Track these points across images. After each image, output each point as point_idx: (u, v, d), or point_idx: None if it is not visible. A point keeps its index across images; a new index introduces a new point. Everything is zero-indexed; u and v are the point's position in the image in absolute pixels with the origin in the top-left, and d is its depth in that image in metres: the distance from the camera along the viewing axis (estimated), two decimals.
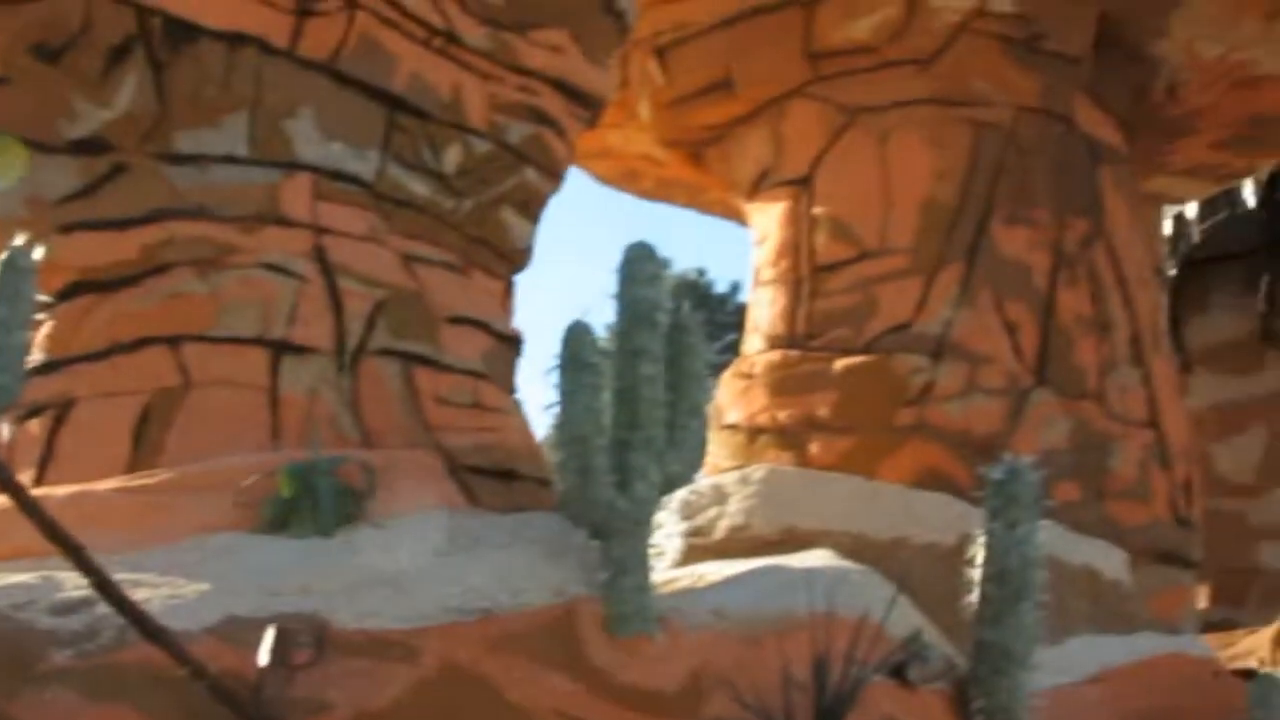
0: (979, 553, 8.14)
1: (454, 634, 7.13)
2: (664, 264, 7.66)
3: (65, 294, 8.83)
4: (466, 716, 6.93)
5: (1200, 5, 14.68)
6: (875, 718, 7.48)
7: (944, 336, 13.25)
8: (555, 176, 10.37)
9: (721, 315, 26.97)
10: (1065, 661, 10.74)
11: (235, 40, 9.02)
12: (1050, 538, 9.53)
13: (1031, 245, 13.94)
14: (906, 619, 8.12)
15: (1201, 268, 21.54)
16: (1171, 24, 14.91)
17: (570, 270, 47.65)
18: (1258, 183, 20.13)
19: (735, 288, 30.19)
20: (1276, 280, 20.88)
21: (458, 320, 9.48)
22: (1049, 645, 8.74)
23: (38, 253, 6.70)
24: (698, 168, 15.81)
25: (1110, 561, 12.72)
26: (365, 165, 9.32)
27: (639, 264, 7.68)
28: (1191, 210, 21.05)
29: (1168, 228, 20.56)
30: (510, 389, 9.84)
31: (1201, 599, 16.89)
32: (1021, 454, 8.40)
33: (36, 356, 8.47)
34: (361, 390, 8.94)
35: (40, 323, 8.59)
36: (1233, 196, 20.55)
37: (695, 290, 29.17)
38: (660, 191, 17.32)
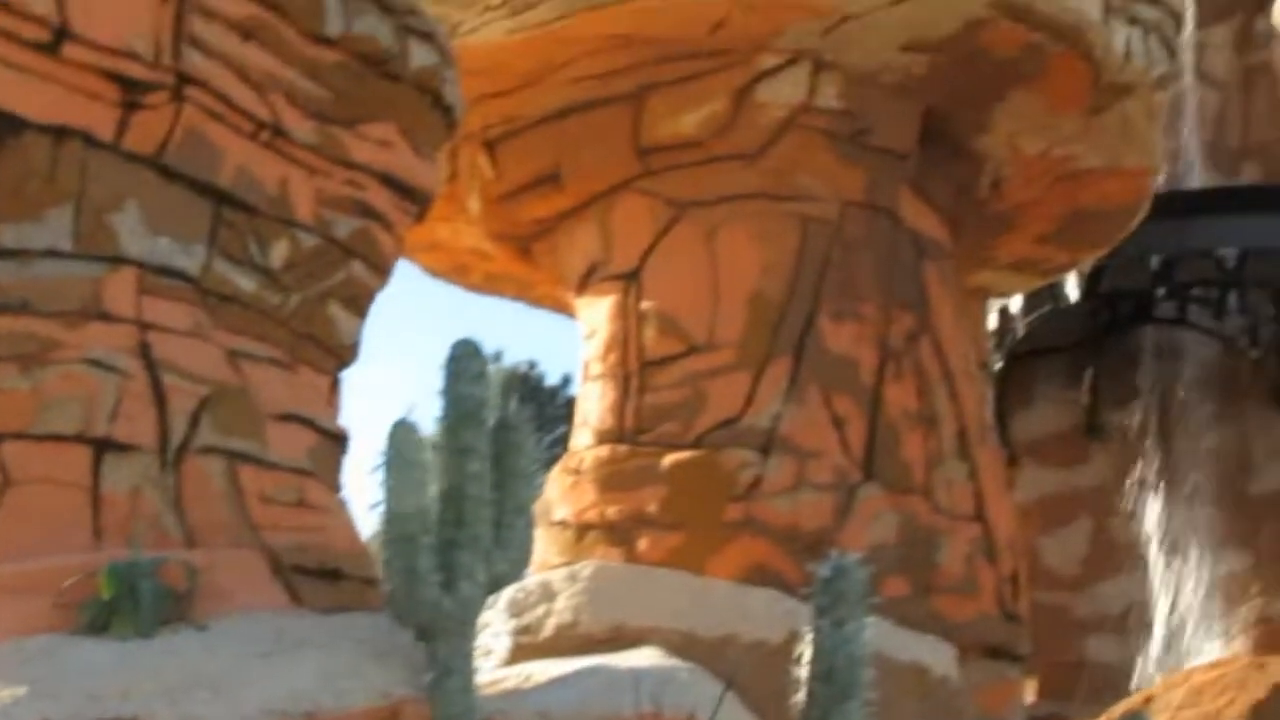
0: (806, 650, 8.10)
1: None
2: (489, 360, 7.61)
3: None
4: None
5: (1022, 101, 14.87)
6: None
7: (772, 431, 13.28)
8: (383, 271, 10.30)
9: (552, 409, 27.02)
10: None
11: (60, 133, 8.88)
12: (878, 635, 9.50)
13: (858, 340, 14.01)
14: (734, 718, 8.07)
15: (1026, 361, 21.91)
16: (994, 120, 15.11)
17: (398, 366, 47.67)
18: (1080, 276, 20.51)
19: (567, 380, 30.31)
20: (1100, 373, 21.25)
21: (284, 417, 9.38)
22: None
23: None
24: (527, 261, 15.78)
25: (938, 658, 12.74)
26: (191, 260, 9.20)
27: (464, 361, 7.64)
28: (1016, 304, 21.42)
29: (993, 321, 20.89)
30: (336, 487, 9.74)
31: (1029, 693, 17.04)
32: (849, 549, 8.39)
33: None
34: (185, 488, 8.79)
35: None
36: (1056, 290, 20.93)
37: (526, 383, 29.24)
38: (489, 285, 17.29)
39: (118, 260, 8.96)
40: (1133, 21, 14.89)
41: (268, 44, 9.43)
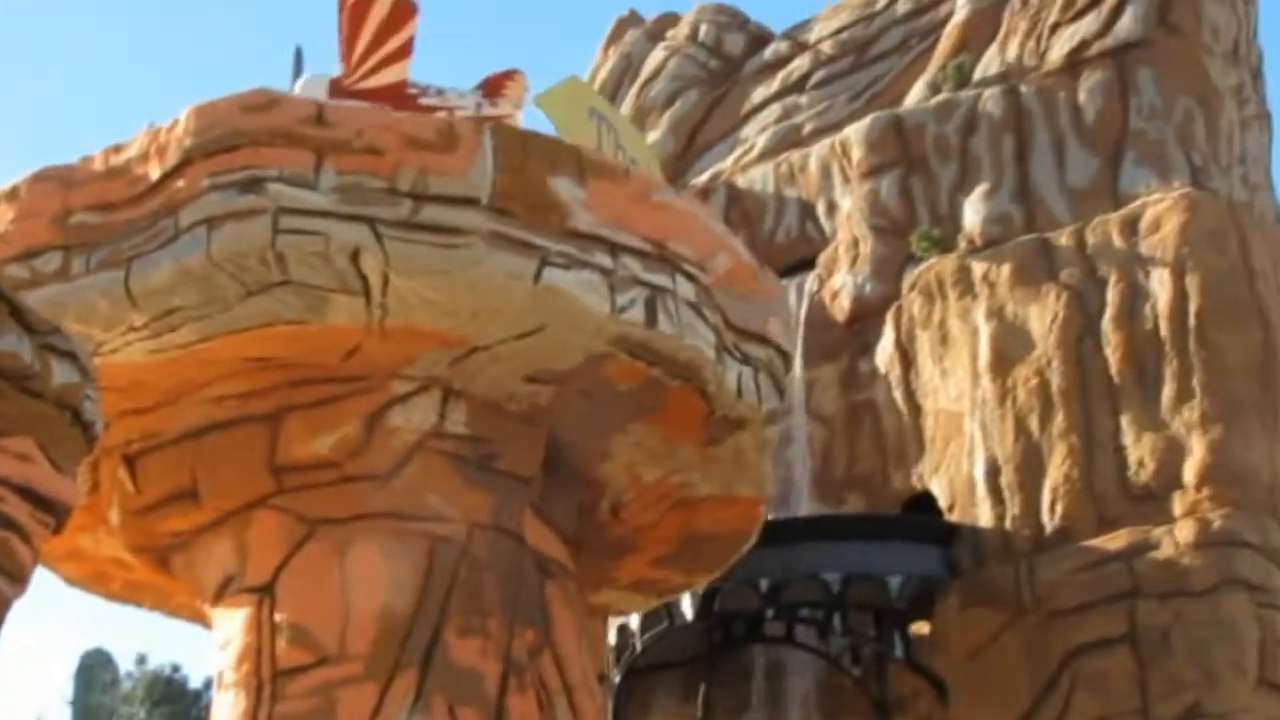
0: None
1: None
2: (118, 669, 7.66)
3: None
4: None
5: (641, 432, 15.28)
6: None
7: None
8: (21, 580, 10.15)
9: (196, 711, 26.31)
10: None
11: None
12: None
13: (483, 654, 14.09)
14: None
15: (644, 675, 22.06)
16: (613, 449, 15.50)
17: (34, 671, 46.04)
18: (695, 596, 20.66)
19: (209, 683, 29.63)
20: (713, 688, 21.54)
21: None
22: None
23: None
24: (165, 573, 15.54)
25: None
26: None
27: (96, 671, 7.69)
28: (635, 621, 21.52)
29: (612, 637, 21.00)
30: None
31: None
32: None
33: None
34: None
35: None
36: (672, 609, 21.07)
37: (170, 686, 28.44)
38: (129, 594, 17.00)
39: None
40: (745, 360, 15.34)
41: None
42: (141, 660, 29.68)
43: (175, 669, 29.93)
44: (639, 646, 21.68)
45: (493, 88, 16.02)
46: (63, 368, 10.28)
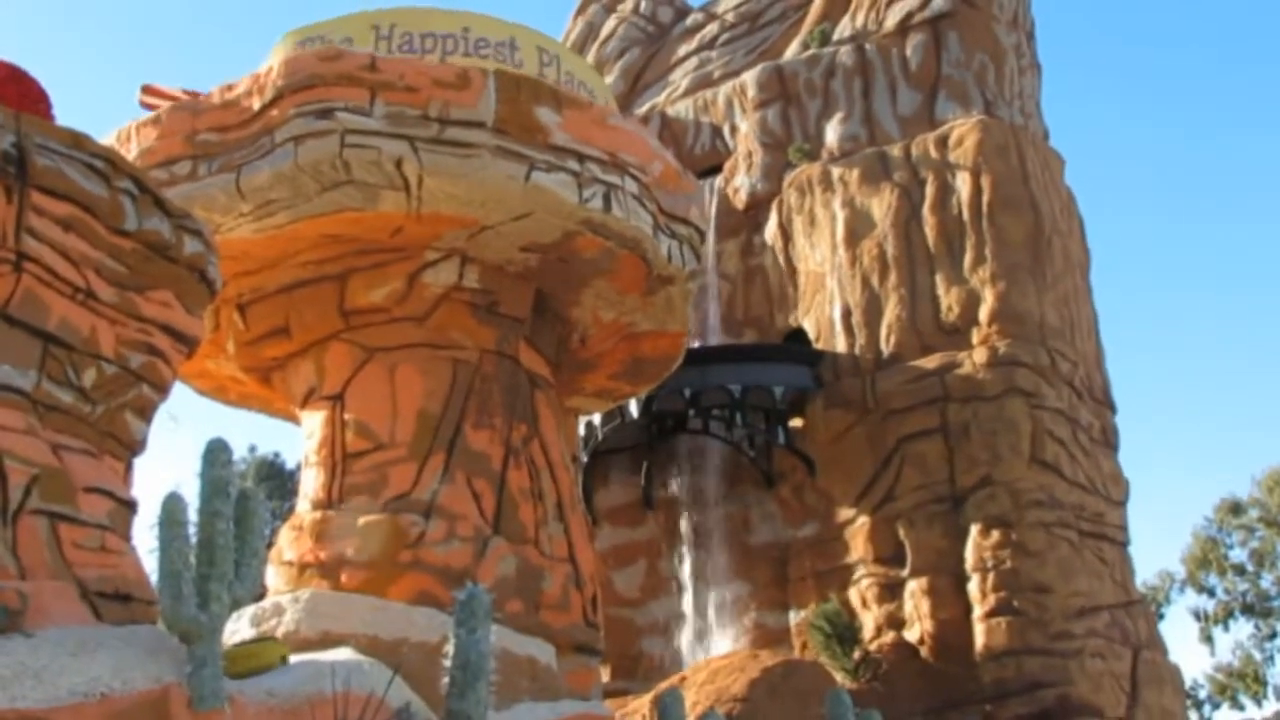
0: (450, 649, 8.20)
1: (80, 712, 6.85)
2: (233, 451, 7.58)
3: None
4: None
5: (600, 286, 15.13)
6: None
7: (432, 502, 13.27)
8: (163, 390, 10.11)
9: (290, 485, 26.34)
10: None
11: None
12: (503, 638, 9.65)
13: (491, 441, 14.09)
14: (400, 694, 8.11)
15: (604, 457, 22.20)
16: (581, 297, 15.36)
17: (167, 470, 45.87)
18: (639, 400, 20.78)
19: (299, 465, 29.59)
20: (651, 465, 21.64)
21: (91, 490, 9.13)
22: (499, 711, 8.81)
23: None
24: (267, 386, 15.47)
25: (543, 653, 12.86)
26: (26, 381, 8.94)
27: (216, 453, 7.60)
28: (597, 419, 21.63)
29: (582, 430, 21.09)
30: (128, 537, 9.48)
31: (605, 675, 17.18)
32: (482, 582, 8.53)
33: None
34: (19, 539, 8.50)
35: None
36: (623, 409, 21.18)
37: (272, 467, 28.41)
38: (243, 401, 16.89)
39: None
40: (673, 236, 15.25)
41: (83, 234, 9.26)
42: (252, 449, 29.71)
43: (275, 455, 30.01)
44: (600, 436, 21.86)
45: None
46: (192, 241, 10.16)
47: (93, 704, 6.86)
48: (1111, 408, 22.34)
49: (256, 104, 13.40)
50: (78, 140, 9.36)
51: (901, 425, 20.19)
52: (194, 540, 7.37)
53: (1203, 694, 30.35)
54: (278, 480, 27.39)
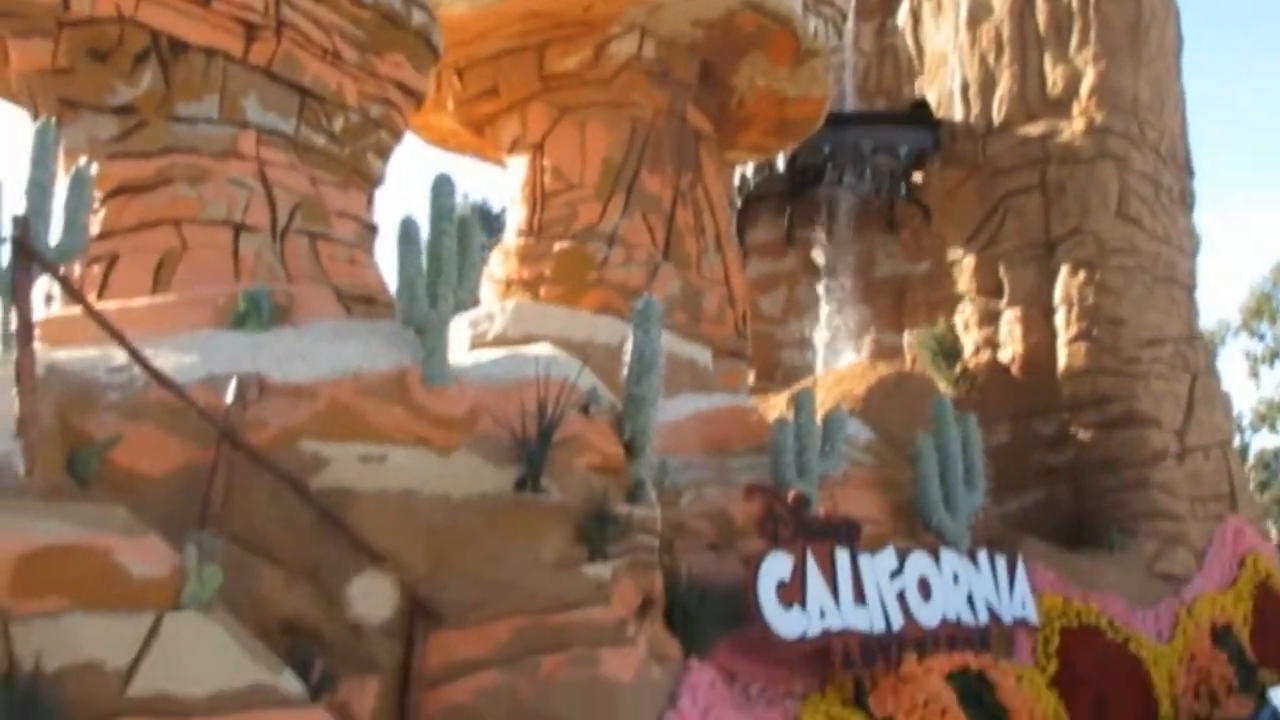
0: (629, 348, 8.25)
1: (338, 385, 7.06)
2: (455, 186, 7.57)
3: (112, 194, 8.47)
4: (340, 431, 6.87)
5: (756, 58, 14.74)
6: (570, 433, 7.60)
7: (614, 233, 13.37)
8: (398, 135, 10.17)
9: (496, 224, 26.67)
10: (676, 408, 10.97)
11: (210, 52, 8.66)
12: (668, 342, 9.69)
13: (663, 185, 14.05)
14: (588, 381, 8.21)
15: (755, 202, 21.84)
16: (740, 66, 14.94)
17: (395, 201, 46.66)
18: (785, 155, 20.39)
19: (504, 210, 29.89)
20: (794, 210, 21.32)
21: (341, 214, 9.30)
22: (665, 399, 8.91)
23: (94, 169, 6.45)
24: (480, 137, 15.49)
25: (702, 356, 12.98)
26: (288, 126, 9.05)
27: (443, 185, 7.61)
28: (750, 169, 21.29)
29: (737, 179, 20.83)
30: (371, 253, 9.68)
31: (751, 378, 17.33)
32: (654, 296, 8.50)
33: (95, 230, 8.17)
34: (286, 252, 8.73)
35: (97, 210, 8.25)
36: (771, 163, 20.78)
37: (481, 209, 28.74)
38: (461, 149, 16.93)
39: (245, 125, 8.83)
40: (819, 15, 14.80)
41: (331, 5, 9.23)
42: (465, 196, 30.10)
43: (484, 200, 30.42)
44: (752, 185, 21.54)
45: None
46: (419, 13, 10.02)
47: (347, 380, 7.08)
48: (1190, 173, 21.15)
49: None
50: None
51: (1007, 182, 19.37)
52: (424, 254, 7.44)
53: (1245, 422, 30.57)
54: (484, 221, 27.68)
